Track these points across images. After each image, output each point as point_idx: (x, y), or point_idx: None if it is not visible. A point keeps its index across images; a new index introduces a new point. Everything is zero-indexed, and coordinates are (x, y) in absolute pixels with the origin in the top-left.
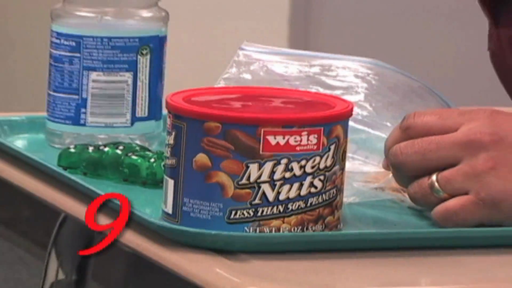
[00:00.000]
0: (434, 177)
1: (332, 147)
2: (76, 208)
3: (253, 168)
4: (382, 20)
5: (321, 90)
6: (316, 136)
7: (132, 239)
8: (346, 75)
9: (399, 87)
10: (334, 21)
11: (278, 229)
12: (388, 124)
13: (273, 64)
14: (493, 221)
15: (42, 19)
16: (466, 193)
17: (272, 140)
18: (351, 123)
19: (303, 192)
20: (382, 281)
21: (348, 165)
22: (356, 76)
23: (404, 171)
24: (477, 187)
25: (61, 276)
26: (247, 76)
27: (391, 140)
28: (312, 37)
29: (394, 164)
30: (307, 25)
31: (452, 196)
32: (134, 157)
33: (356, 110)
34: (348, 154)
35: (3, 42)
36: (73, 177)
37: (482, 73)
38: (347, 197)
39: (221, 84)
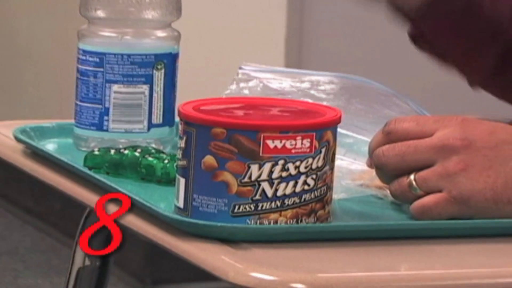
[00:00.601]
0: (412, 176)
1: (323, 150)
2: (98, 201)
3: (254, 168)
4: (370, 41)
5: (311, 101)
6: (309, 140)
7: (149, 230)
8: (332, 88)
9: (376, 96)
10: (326, 41)
11: (276, 222)
12: (368, 128)
13: (269, 80)
14: (463, 216)
15: (68, 38)
16: (439, 191)
17: (270, 143)
18: (341, 129)
19: (298, 189)
20: (365, 266)
21: (338, 165)
22: (340, 89)
23: (386, 171)
24: (449, 186)
25: (87, 262)
26: (246, 92)
27: (374, 143)
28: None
29: (377, 165)
30: (301, 46)
31: (427, 193)
32: (150, 158)
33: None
34: (339, 156)
35: (34, 60)
36: (97, 176)
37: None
38: (336, 194)
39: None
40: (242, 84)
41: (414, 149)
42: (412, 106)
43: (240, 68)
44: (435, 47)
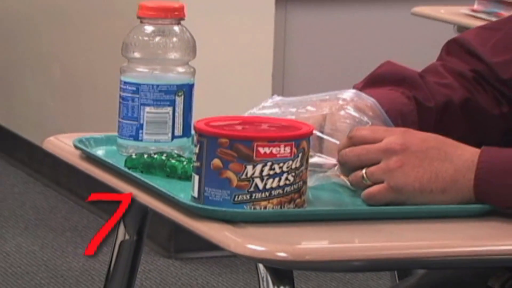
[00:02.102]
0: (364, 171)
1: (300, 154)
2: (136, 194)
3: (249, 168)
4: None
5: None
6: (289, 147)
7: (172, 213)
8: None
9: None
10: (304, 75)
11: (265, 207)
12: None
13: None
14: (398, 202)
15: (114, 72)
16: (382, 182)
17: (261, 150)
18: (320, 134)
19: (281, 183)
20: (330, 240)
21: (316, 160)
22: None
23: (346, 166)
24: (388, 179)
25: (127, 237)
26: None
27: (341, 145)
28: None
29: (340, 162)
30: (284, 79)
31: (374, 184)
32: (173, 161)
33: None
34: (318, 154)
35: (90, 88)
36: (134, 174)
37: None
38: (312, 182)
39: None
40: (261, 110)
41: (367, 151)
42: (384, 118)
43: (271, 97)
44: None
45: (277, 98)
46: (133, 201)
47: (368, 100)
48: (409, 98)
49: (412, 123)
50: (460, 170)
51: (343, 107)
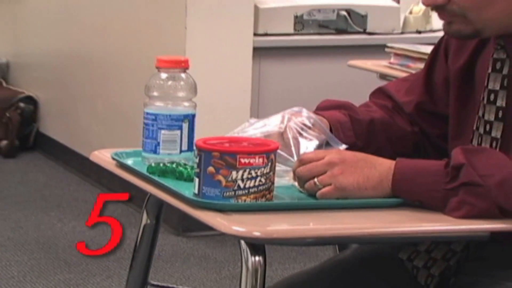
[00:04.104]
0: (315, 179)
1: (269, 163)
2: (155, 191)
3: (234, 173)
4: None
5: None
6: (262, 158)
7: (180, 205)
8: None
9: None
10: (274, 107)
11: (245, 200)
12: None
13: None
14: (342, 197)
15: (140, 106)
16: (330, 185)
17: (242, 160)
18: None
19: (256, 184)
20: (292, 224)
21: (283, 168)
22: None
23: (301, 179)
24: (335, 182)
25: (148, 221)
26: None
27: (294, 166)
28: (261, 107)
29: (296, 176)
30: (258, 110)
31: (324, 186)
32: (181, 168)
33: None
34: (282, 167)
35: (126, 117)
36: (153, 177)
37: None
38: (277, 184)
39: (232, 134)
40: (242, 128)
41: (315, 166)
42: (332, 139)
43: (248, 121)
44: None
45: (252, 120)
46: (151, 196)
47: (303, 112)
48: (345, 115)
49: (348, 130)
50: (382, 174)
51: (290, 120)
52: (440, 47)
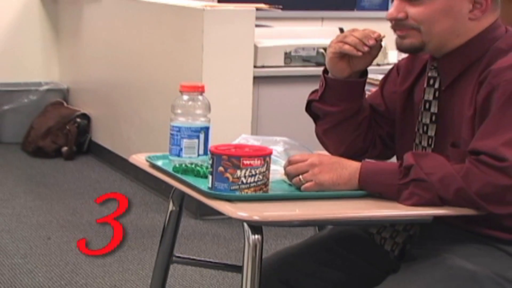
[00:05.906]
0: (300, 177)
1: (266, 164)
2: (178, 185)
3: (238, 171)
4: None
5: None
6: (260, 160)
7: (197, 196)
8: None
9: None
10: (270, 128)
11: (247, 192)
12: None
13: (248, 140)
14: (321, 191)
15: (167, 122)
16: (311, 181)
17: (245, 162)
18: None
19: (256, 180)
20: (283, 211)
21: (277, 167)
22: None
23: (290, 176)
24: (315, 179)
25: (173, 208)
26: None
27: (284, 165)
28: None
29: (286, 173)
30: (257, 130)
31: (307, 182)
32: (199, 168)
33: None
34: (277, 167)
35: (156, 130)
36: (177, 174)
37: None
38: (271, 180)
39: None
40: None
41: (300, 166)
42: (307, 150)
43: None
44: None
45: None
46: (176, 189)
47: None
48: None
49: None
50: (351, 173)
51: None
52: (394, 67)
